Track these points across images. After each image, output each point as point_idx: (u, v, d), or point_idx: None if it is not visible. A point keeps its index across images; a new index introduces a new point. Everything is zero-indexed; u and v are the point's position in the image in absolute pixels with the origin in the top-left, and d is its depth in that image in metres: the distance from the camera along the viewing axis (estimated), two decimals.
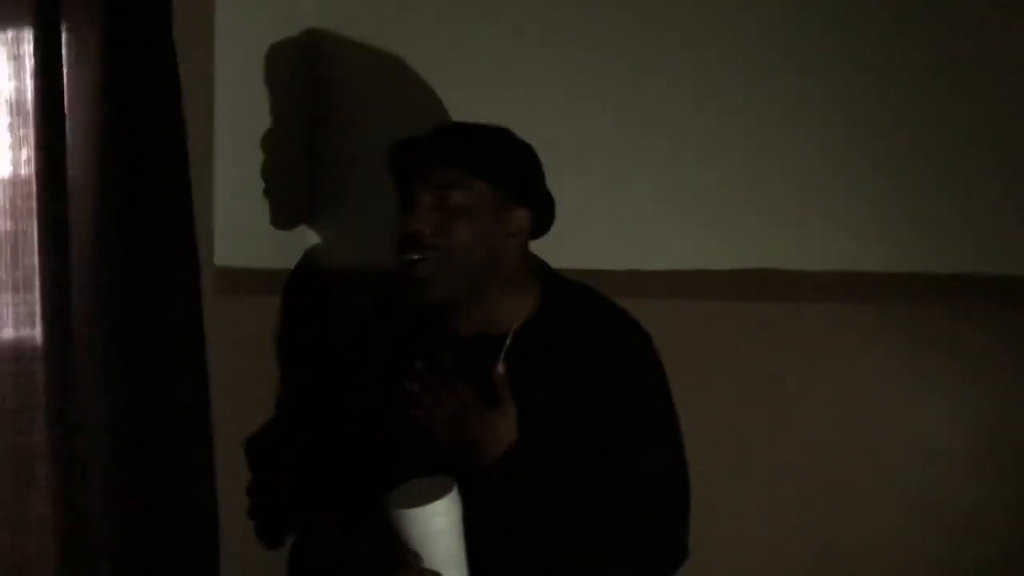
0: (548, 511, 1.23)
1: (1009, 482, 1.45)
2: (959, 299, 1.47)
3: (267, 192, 1.62)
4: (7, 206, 1.10)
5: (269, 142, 1.62)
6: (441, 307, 1.31)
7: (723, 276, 1.56)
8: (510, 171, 1.30)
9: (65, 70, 1.13)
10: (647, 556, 1.27)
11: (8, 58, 1.12)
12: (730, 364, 1.54)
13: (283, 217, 1.68)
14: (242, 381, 1.52)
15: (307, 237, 1.75)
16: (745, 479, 1.52)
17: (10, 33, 1.11)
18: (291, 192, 1.71)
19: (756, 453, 1.54)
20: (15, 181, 1.11)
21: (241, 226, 1.54)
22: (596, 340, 1.30)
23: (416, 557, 1.16)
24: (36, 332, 1.12)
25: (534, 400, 1.24)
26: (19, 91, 1.13)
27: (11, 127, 1.13)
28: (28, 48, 1.11)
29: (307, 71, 1.73)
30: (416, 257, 1.26)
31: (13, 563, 1.10)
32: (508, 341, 1.30)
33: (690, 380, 1.37)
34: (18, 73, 1.13)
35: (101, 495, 1.19)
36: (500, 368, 1.26)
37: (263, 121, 1.62)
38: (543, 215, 1.33)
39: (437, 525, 1.16)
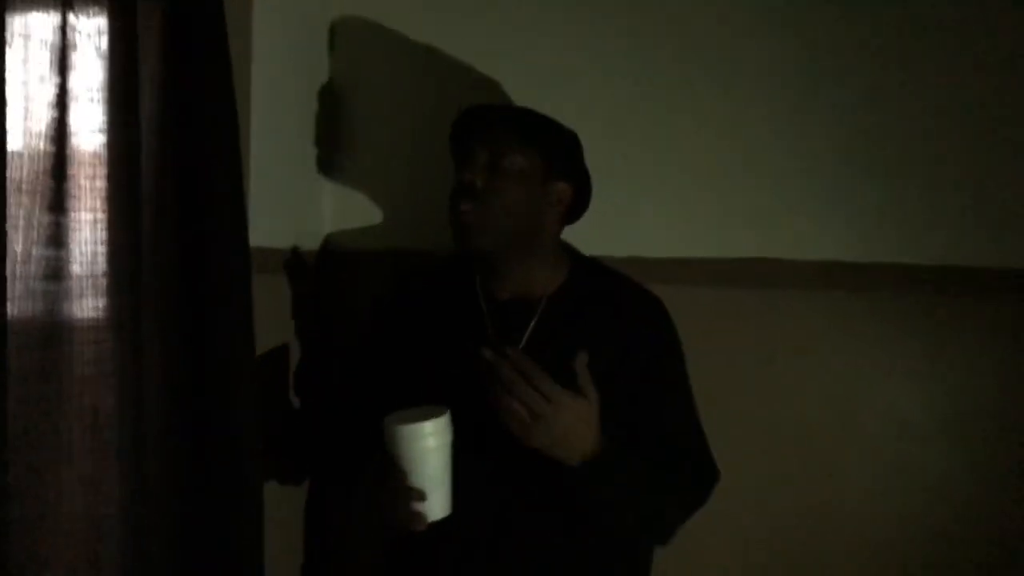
0: (629, 487, 1.29)
1: (974, 451, 1.62)
2: (930, 288, 1.62)
3: (295, 177, 1.71)
4: (85, 182, 1.18)
5: (297, 129, 1.72)
6: (483, 258, 1.42)
7: (717, 264, 1.69)
8: (560, 146, 1.43)
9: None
10: (696, 493, 1.40)
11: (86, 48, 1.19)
12: (723, 345, 1.67)
13: (310, 200, 1.77)
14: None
15: (330, 220, 1.85)
16: (734, 448, 1.58)
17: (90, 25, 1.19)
18: (318, 176, 1.80)
19: (744, 423, 1.67)
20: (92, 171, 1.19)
21: (272, 209, 1.62)
22: (621, 307, 1.43)
23: (403, 473, 1.23)
24: (108, 305, 1.20)
25: (566, 356, 1.29)
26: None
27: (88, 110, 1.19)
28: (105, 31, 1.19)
29: (330, 60, 1.82)
30: (466, 206, 1.36)
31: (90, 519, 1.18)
32: (542, 304, 1.42)
33: (687, 358, 1.48)
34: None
35: (158, 455, 1.28)
36: (583, 356, 1.23)
37: (292, 109, 1.71)
38: (582, 195, 1.47)
39: (426, 444, 1.22)
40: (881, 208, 1.64)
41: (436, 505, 1.25)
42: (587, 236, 1.58)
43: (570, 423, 1.20)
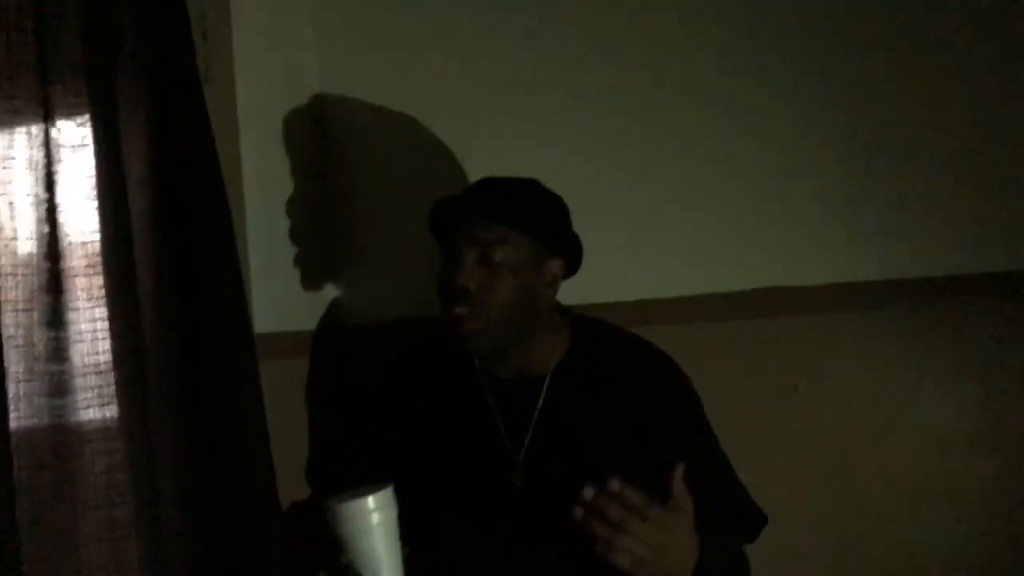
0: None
1: (1004, 465, 1.57)
2: (949, 298, 1.58)
3: (294, 258, 1.70)
4: (81, 294, 1.17)
5: (291, 210, 1.71)
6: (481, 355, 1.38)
7: (729, 299, 1.67)
8: (549, 224, 1.36)
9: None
10: (753, 541, 1.38)
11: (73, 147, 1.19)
12: (744, 378, 1.64)
13: (311, 280, 1.76)
14: (292, 441, 1.59)
15: (331, 297, 1.83)
16: (765, 480, 1.53)
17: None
18: (315, 255, 1.79)
19: (774, 455, 1.62)
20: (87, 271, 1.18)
21: (273, 293, 1.61)
22: (628, 370, 1.37)
23: (346, 553, 1.19)
24: (116, 413, 1.18)
25: (582, 432, 1.30)
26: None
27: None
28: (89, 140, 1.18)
29: (318, 136, 1.82)
30: (460, 311, 1.30)
31: None
32: (547, 380, 1.37)
33: (709, 396, 1.45)
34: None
35: (181, 560, 1.26)
36: (680, 468, 1.17)
37: (284, 190, 1.71)
38: (574, 262, 1.42)
39: (369, 520, 1.19)
40: (889, 223, 1.62)
41: None
42: (591, 284, 1.55)
43: (681, 543, 1.17)
